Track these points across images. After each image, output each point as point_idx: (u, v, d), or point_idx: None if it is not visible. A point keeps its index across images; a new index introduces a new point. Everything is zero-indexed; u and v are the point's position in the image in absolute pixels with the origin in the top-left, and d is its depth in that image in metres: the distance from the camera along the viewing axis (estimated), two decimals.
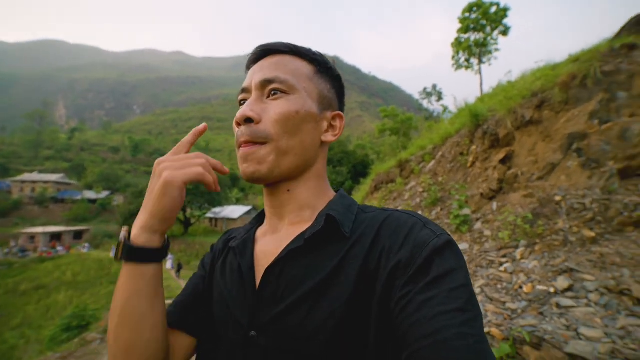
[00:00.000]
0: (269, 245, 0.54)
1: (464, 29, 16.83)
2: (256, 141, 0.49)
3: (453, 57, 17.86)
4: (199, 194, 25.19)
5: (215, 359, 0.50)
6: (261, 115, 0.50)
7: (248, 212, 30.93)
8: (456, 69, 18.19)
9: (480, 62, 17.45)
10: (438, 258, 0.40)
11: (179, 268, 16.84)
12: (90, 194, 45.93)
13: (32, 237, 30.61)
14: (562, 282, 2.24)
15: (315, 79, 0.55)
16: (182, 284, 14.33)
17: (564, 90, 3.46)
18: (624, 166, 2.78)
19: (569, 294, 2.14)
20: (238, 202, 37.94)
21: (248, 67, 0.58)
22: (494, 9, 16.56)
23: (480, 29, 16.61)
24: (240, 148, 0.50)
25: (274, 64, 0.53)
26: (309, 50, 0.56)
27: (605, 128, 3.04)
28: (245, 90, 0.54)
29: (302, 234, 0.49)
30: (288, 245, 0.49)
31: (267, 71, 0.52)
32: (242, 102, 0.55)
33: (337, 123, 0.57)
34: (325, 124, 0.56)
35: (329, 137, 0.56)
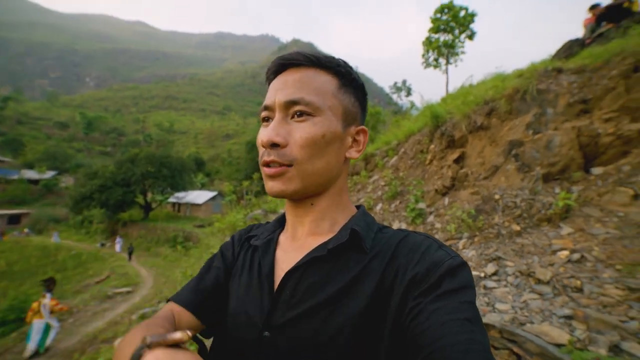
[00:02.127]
0: (288, 251, 0.56)
1: (435, 29, 17.61)
2: (283, 163, 0.50)
3: (423, 55, 18.65)
4: (161, 177, 23.90)
5: (227, 353, 0.52)
6: (287, 139, 0.50)
7: (213, 198, 30.02)
8: (425, 67, 19.03)
9: (448, 62, 18.45)
10: (451, 277, 0.42)
11: (130, 251, 16.46)
12: (31, 174, 41.17)
13: None
14: (491, 268, 2.68)
15: (339, 94, 0.54)
16: (137, 268, 13.83)
17: (509, 101, 3.94)
18: (546, 171, 3.31)
19: (494, 277, 2.58)
20: (203, 187, 36.59)
21: (268, 79, 0.57)
22: (462, 13, 17.47)
23: (450, 30, 17.50)
24: (266, 168, 0.51)
25: (298, 81, 0.51)
26: (332, 61, 0.54)
27: (537, 138, 3.55)
28: (268, 108, 0.53)
29: (325, 243, 0.51)
30: (310, 253, 0.51)
31: (291, 90, 0.51)
32: (265, 119, 0.55)
33: (361, 138, 0.57)
34: (349, 140, 0.56)
35: (352, 153, 0.56)
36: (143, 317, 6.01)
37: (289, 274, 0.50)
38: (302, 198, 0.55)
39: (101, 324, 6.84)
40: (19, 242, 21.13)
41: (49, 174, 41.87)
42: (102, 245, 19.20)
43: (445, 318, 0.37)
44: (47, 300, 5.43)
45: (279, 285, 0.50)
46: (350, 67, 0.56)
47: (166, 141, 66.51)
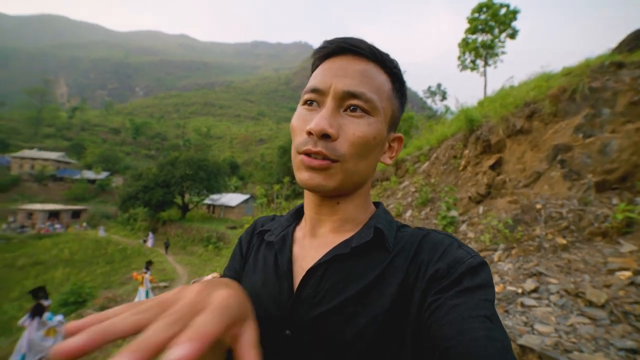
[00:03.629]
0: (308, 248, 0.54)
1: (472, 30, 16.77)
2: (329, 157, 0.47)
3: (459, 58, 17.83)
4: (198, 179, 25.31)
5: None
6: (338, 132, 0.47)
7: (246, 201, 31.15)
8: (461, 69, 18.18)
9: (486, 64, 17.44)
10: (471, 275, 0.42)
11: (166, 246, 18.11)
12: (89, 174, 46.03)
13: (30, 214, 30.87)
14: (530, 284, 2.43)
15: (392, 98, 0.52)
16: (174, 264, 14.73)
17: (554, 102, 3.61)
18: (601, 179, 2.95)
19: (534, 294, 2.34)
20: (237, 190, 38.12)
21: (320, 58, 0.52)
22: (503, 11, 16.47)
23: (489, 30, 16.56)
24: (307, 157, 0.47)
25: (360, 73, 0.48)
26: (392, 61, 0.52)
27: (588, 142, 3.20)
28: (318, 92, 0.49)
29: (348, 241, 0.50)
30: (332, 250, 0.50)
31: (353, 81, 0.47)
32: (309, 102, 0.51)
33: (396, 145, 0.57)
34: (386, 146, 0.55)
35: (386, 159, 0.55)
36: None
37: (311, 272, 0.49)
38: (332, 196, 0.52)
39: None
40: (79, 235, 23.74)
41: (103, 175, 46.46)
42: (144, 241, 20.73)
43: (465, 314, 0.37)
44: (147, 276, 7.73)
45: (300, 283, 0.49)
46: (401, 72, 0.54)
47: (204, 145, 70.54)
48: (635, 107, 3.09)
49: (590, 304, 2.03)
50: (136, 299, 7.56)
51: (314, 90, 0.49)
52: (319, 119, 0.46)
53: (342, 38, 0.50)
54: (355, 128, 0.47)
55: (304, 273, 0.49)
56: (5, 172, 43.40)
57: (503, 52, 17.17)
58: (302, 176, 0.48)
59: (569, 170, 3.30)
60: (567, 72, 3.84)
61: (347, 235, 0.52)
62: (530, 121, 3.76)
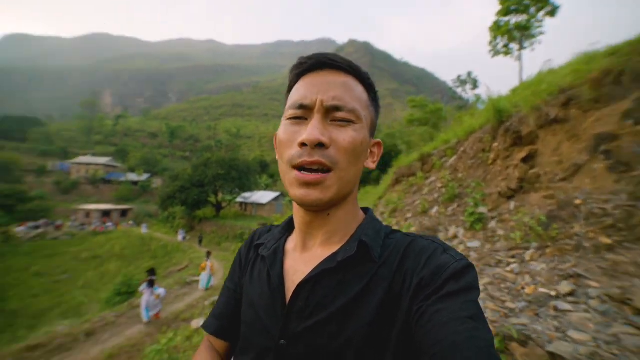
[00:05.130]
0: (298, 262, 0.56)
1: (504, 11, 15.47)
2: (324, 167, 0.48)
3: (490, 43, 16.62)
4: (230, 179, 26.33)
5: (246, 358, 0.55)
6: (330, 140, 0.49)
7: (276, 199, 31.91)
8: (493, 55, 16.92)
9: (522, 47, 16.07)
10: (455, 280, 0.43)
11: (200, 240, 20.31)
12: (132, 176, 49.94)
13: (88, 213, 34.35)
14: (565, 287, 2.26)
15: (369, 107, 0.55)
16: (211, 260, 15.50)
17: (595, 87, 3.27)
18: None
19: (570, 298, 2.17)
20: (267, 187, 39.16)
21: (300, 74, 0.54)
22: None
23: (523, 10, 15.20)
24: (300, 172, 0.48)
25: (341, 86, 0.51)
26: (367, 75, 0.55)
27: None
28: (304, 107, 0.50)
29: (334, 255, 0.52)
30: (320, 265, 0.51)
31: (336, 94, 0.49)
32: (295, 118, 0.51)
33: (376, 150, 0.59)
34: (368, 151, 0.57)
35: (369, 164, 0.57)
36: (213, 303, 6.72)
37: (300, 287, 0.51)
38: (325, 208, 0.53)
39: (181, 305, 7.97)
40: (126, 232, 25.98)
41: (145, 177, 50.10)
42: (184, 238, 22.11)
43: (447, 318, 0.38)
44: (209, 263, 9.47)
45: (291, 298, 0.51)
46: (374, 83, 0.57)
47: (234, 145, 73.28)
48: None
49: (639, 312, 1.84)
50: (200, 283, 9.52)
51: (301, 107, 0.50)
52: (311, 130, 0.47)
53: (319, 54, 0.52)
54: (346, 135, 0.49)
55: (294, 287, 0.52)
56: (67, 177, 48.56)
57: (541, 33, 15.69)
58: (297, 193, 0.49)
59: (615, 162, 2.98)
60: (613, 52, 3.45)
61: (335, 248, 0.54)
62: (567, 109, 3.43)
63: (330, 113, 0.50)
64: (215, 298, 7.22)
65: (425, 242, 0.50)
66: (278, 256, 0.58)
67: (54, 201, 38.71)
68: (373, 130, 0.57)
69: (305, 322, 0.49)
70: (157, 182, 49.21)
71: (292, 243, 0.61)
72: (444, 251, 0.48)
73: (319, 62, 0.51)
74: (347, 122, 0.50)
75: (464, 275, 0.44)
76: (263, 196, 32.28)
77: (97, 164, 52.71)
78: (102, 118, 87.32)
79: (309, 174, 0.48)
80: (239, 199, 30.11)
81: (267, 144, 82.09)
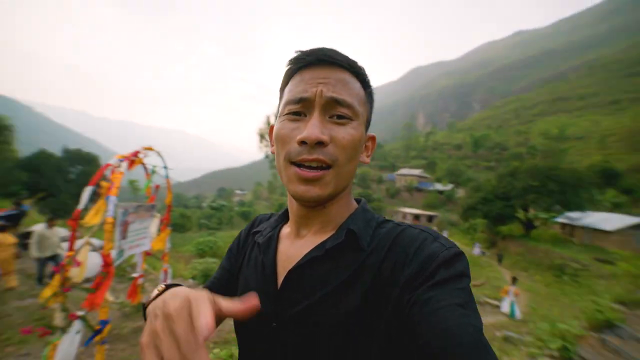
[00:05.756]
0: (291, 249, 0.58)
1: None
2: (324, 164, 0.49)
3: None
4: (545, 192, 21.30)
5: (242, 339, 0.59)
6: (329, 138, 0.49)
7: (635, 227, 20.87)
8: None
9: None
10: (445, 267, 0.43)
11: (499, 258, 18.30)
12: (439, 186, 56.01)
13: (404, 215, 43.73)
14: None
15: (365, 103, 0.56)
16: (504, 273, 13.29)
17: None
18: None
19: None
20: (616, 208, 26.86)
21: (297, 69, 0.53)
22: None
23: None
24: (300, 169, 0.49)
25: (341, 82, 0.51)
26: (364, 71, 0.55)
27: None
28: (305, 101, 0.50)
29: (323, 243, 0.53)
30: (310, 253, 0.53)
31: (335, 88, 0.50)
32: (294, 113, 0.52)
33: (370, 144, 0.60)
34: (364, 146, 0.58)
35: (364, 158, 0.58)
36: (506, 339, 5.82)
37: (290, 273, 0.53)
38: (323, 203, 0.55)
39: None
40: None
41: (449, 187, 54.26)
42: (483, 253, 21.04)
43: (437, 306, 0.39)
44: (512, 288, 8.64)
45: (282, 284, 0.54)
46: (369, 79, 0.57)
47: (555, 151, 57.64)
48: None
49: None
50: (501, 307, 8.76)
51: (300, 101, 0.51)
52: (311, 128, 0.48)
53: (318, 49, 0.52)
54: (345, 132, 0.50)
55: (285, 273, 0.54)
56: (393, 185, 65.38)
57: None
58: (297, 189, 0.51)
59: None
60: None
61: (327, 237, 0.54)
62: None
63: (329, 109, 0.50)
64: (510, 335, 6.14)
65: (416, 231, 0.50)
66: (272, 244, 0.61)
67: (384, 203, 53.08)
68: (368, 125, 0.58)
69: (295, 307, 0.51)
70: (460, 192, 51.32)
71: (287, 231, 0.62)
72: (434, 239, 0.48)
73: (317, 58, 0.52)
74: (346, 119, 0.51)
75: (454, 263, 0.44)
76: (607, 219, 22.32)
77: (412, 175, 65.30)
78: (417, 136, 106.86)
79: (309, 170, 0.49)
80: (559, 219, 23.31)
81: (615, 144, 56.07)
